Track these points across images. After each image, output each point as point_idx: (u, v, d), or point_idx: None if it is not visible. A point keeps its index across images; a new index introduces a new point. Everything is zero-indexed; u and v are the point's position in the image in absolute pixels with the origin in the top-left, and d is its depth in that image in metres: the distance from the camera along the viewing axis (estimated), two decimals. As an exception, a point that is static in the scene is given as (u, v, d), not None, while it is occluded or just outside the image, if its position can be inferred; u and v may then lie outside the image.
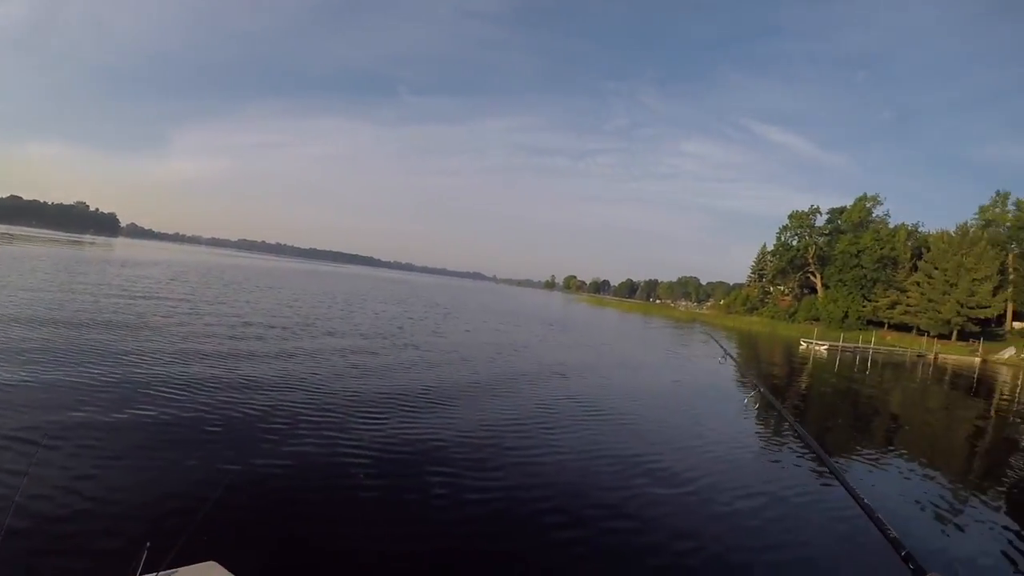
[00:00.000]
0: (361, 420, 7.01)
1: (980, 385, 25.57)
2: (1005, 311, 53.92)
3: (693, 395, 12.66)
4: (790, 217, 70.09)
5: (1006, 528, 6.09)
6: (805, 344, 37.75)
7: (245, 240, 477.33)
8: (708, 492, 5.97)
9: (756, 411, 8.46)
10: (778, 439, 8.87)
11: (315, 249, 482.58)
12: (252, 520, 4.23)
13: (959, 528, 5.99)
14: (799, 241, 68.87)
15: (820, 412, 13.41)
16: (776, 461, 7.74)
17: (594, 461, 6.41)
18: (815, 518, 5.64)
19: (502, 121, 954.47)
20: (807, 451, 7.06)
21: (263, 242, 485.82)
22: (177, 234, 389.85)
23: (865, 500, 1.68)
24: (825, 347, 37.09)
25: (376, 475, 5.26)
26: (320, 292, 28.65)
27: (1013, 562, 5.16)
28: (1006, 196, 56.43)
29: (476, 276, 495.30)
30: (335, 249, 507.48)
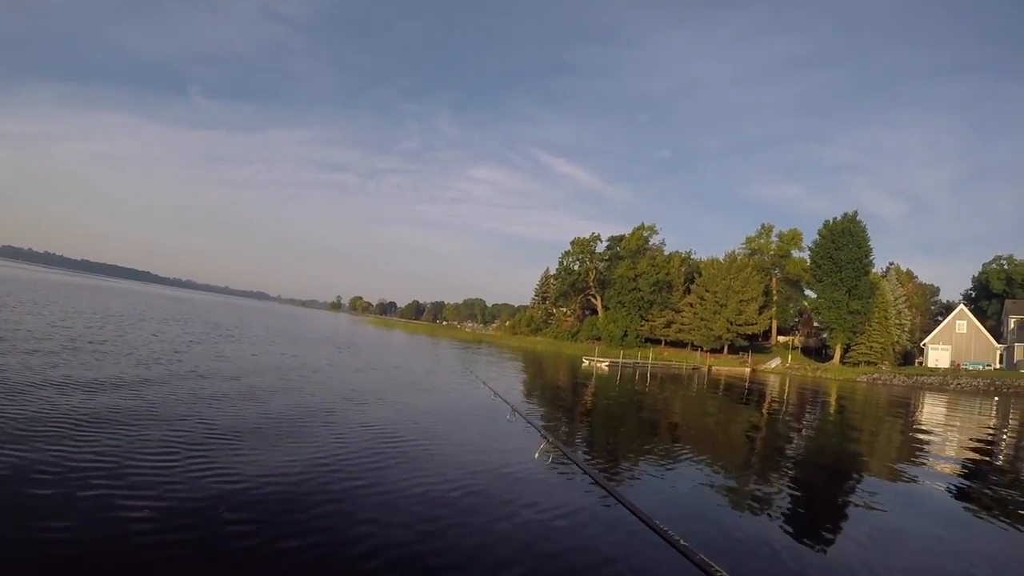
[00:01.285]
0: (141, 464, 5.55)
1: (751, 391, 27.97)
2: (770, 327, 61.22)
3: (485, 415, 12.18)
4: (572, 243, 72.20)
5: (785, 516, 6.39)
6: (587, 361, 37.74)
7: (9, 246, 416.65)
8: (507, 508, 5.61)
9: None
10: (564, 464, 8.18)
11: (87, 260, 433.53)
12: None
13: (748, 524, 6.00)
14: (581, 266, 71.00)
15: (605, 421, 13.88)
16: (559, 483, 7.24)
17: (393, 490, 5.79)
18: (603, 536, 5.21)
19: (294, 133, 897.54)
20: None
21: (30, 249, 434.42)
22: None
23: (659, 522, 1.80)
24: (606, 363, 37.27)
25: (159, 530, 4.18)
26: (92, 311, 26.45)
27: (793, 552, 5.21)
28: (770, 228, 64.92)
29: (260, 296, 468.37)
30: (110, 262, 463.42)
